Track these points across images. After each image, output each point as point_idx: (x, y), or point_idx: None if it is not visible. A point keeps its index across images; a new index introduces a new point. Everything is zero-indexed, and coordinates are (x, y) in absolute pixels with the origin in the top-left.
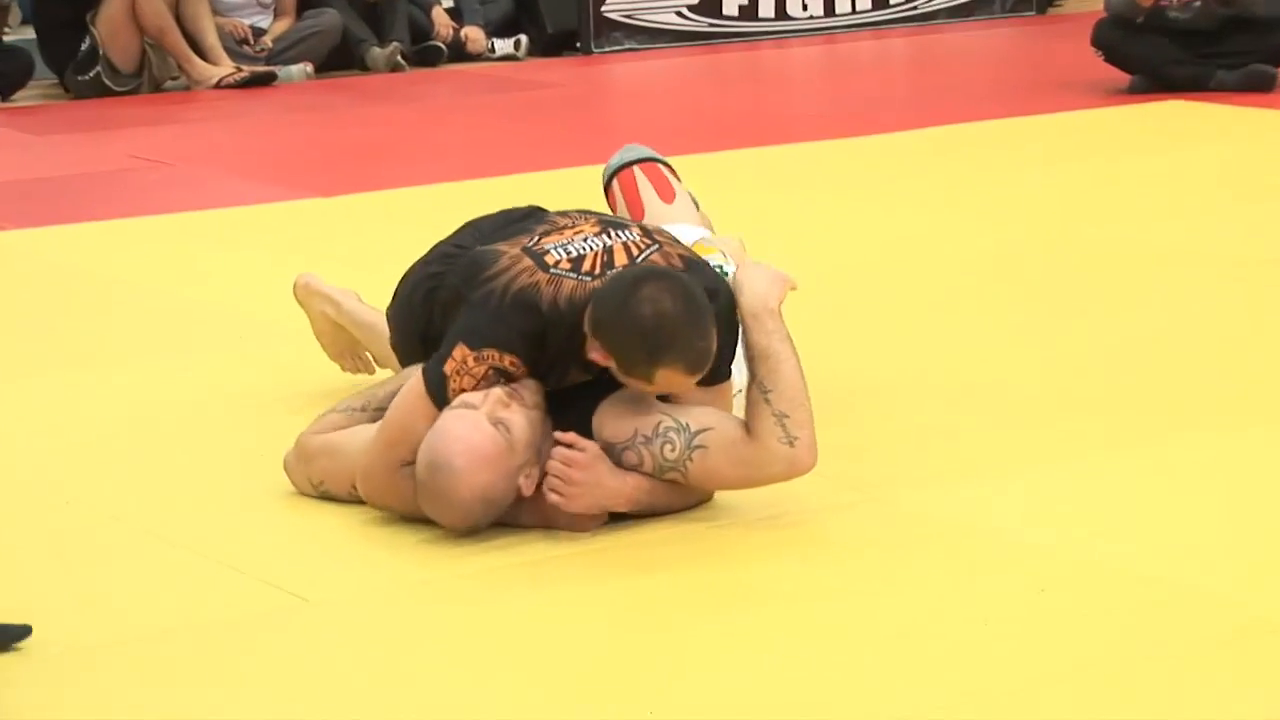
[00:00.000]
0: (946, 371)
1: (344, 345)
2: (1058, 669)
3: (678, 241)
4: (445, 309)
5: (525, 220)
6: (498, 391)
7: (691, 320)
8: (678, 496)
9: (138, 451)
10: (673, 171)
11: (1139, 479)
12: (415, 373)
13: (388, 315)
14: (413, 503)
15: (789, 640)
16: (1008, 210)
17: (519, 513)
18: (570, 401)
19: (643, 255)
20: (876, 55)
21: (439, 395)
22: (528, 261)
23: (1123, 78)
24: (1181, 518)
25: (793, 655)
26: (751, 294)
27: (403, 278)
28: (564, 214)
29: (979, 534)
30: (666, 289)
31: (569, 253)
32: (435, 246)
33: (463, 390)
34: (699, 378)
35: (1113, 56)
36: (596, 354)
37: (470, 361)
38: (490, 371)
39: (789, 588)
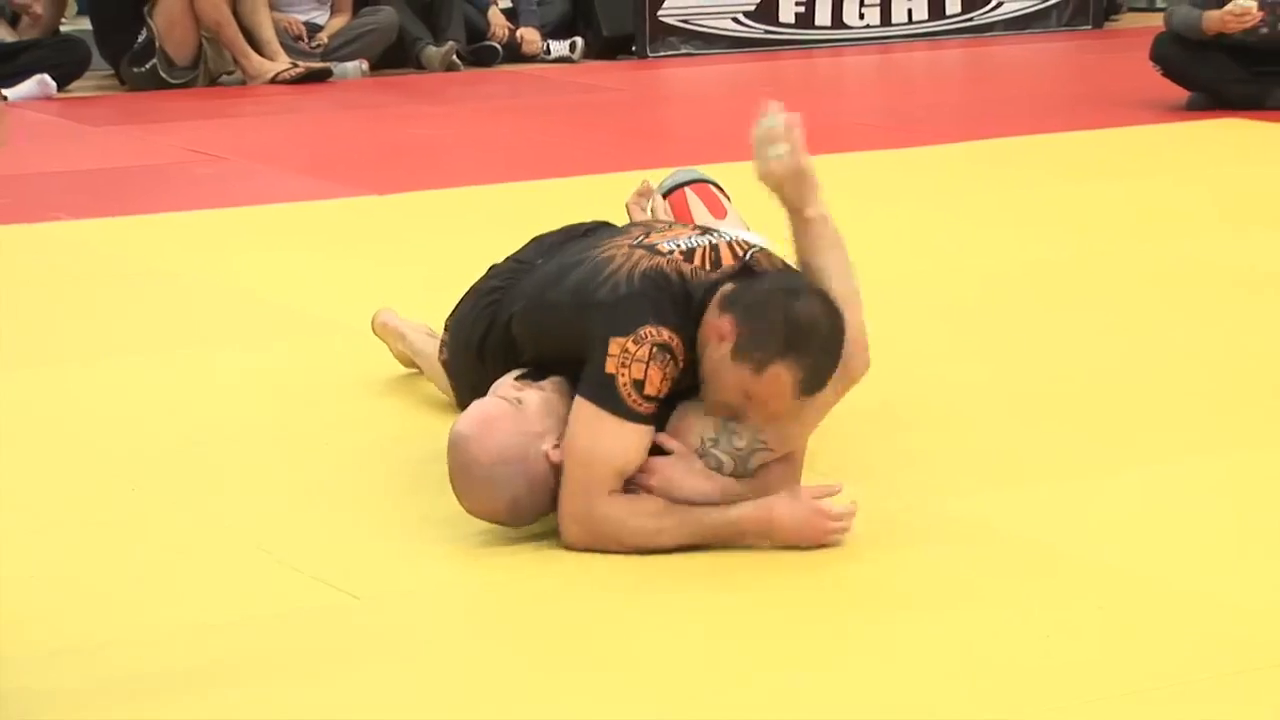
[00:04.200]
0: (998, 382)
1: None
2: (1120, 688)
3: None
4: (508, 323)
5: (590, 235)
6: (506, 379)
7: (830, 343)
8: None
9: (189, 443)
10: (723, 192)
11: (1196, 494)
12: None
13: (445, 326)
14: (629, 533)
15: (840, 652)
16: (1061, 225)
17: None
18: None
19: (748, 254)
20: (932, 66)
21: (611, 399)
22: (642, 252)
23: (1180, 94)
24: (1241, 535)
25: (845, 669)
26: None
27: (464, 295)
28: (654, 222)
29: (1033, 547)
30: (825, 307)
31: (679, 245)
32: (495, 265)
33: (633, 381)
34: (794, 401)
35: (1171, 72)
36: (713, 330)
37: (630, 346)
38: (655, 350)
39: (838, 599)
